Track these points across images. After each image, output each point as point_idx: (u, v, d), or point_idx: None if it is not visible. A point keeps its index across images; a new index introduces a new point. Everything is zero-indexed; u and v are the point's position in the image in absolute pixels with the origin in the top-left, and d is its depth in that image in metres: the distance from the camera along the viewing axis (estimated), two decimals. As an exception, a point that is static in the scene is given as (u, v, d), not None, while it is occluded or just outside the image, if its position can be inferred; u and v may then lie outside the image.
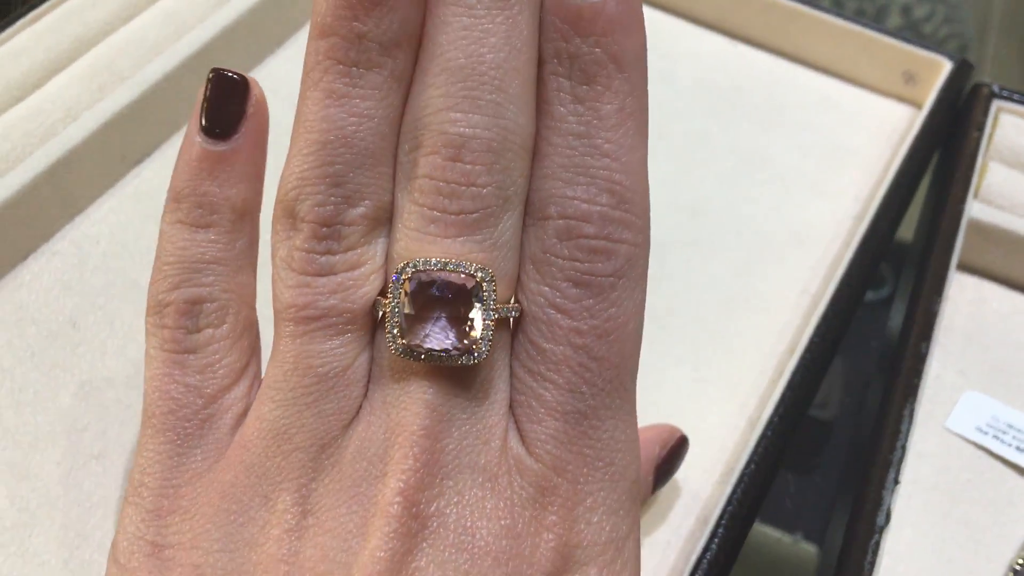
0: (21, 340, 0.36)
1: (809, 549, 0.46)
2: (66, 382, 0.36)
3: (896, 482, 0.35)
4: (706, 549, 0.33)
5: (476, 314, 0.23)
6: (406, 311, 0.23)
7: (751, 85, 0.50)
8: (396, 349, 0.23)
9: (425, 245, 0.23)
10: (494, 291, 0.23)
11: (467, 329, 0.23)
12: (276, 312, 0.24)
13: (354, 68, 0.23)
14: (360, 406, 0.24)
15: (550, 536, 0.23)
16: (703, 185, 0.45)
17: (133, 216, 0.41)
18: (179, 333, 0.26)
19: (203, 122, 0.26)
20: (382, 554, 0.22)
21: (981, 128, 0.46)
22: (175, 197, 0.26)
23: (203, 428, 0.25)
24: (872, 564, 0.33)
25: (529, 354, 0.24)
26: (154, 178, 0.42)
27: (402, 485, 0.22)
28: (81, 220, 0.40)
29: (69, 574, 0.31)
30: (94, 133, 0.40)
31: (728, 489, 0.34)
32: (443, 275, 0.23)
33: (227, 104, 0.26)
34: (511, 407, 0.24)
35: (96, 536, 0.32)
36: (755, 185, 0.46)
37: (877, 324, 0.51)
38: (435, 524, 0.22)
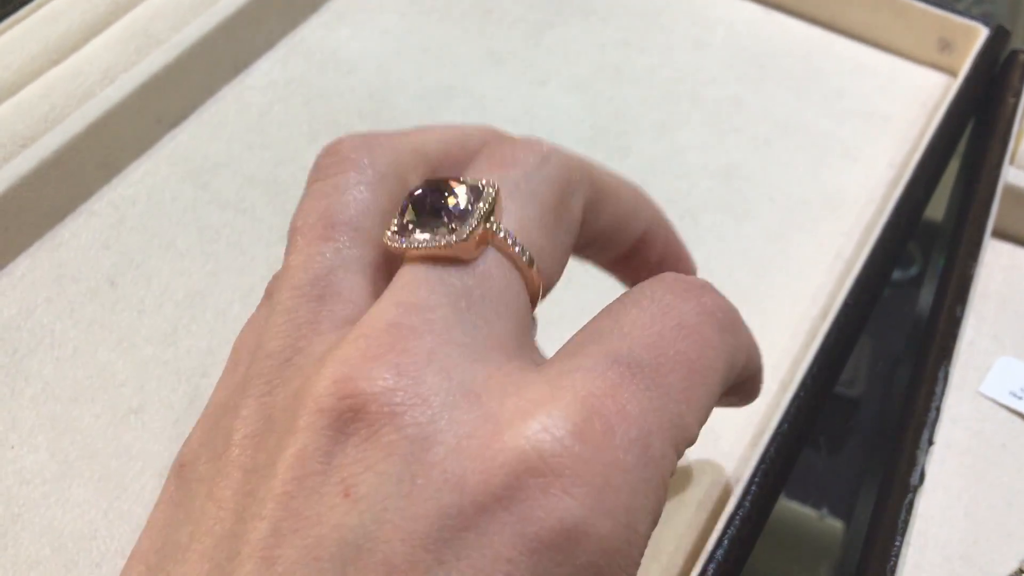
0: (61, 297, 0.37)
1: (835, 524, 0.46)
2: (104, 338, 0.36)
3: (930, 443, 0.35)
4: (738, 507, 0.33)
5: (462, 208, 0.22)
6: (406, 215, 0.22)
7: (785, 52, 0.50)
8: (388, 238, 0.22)
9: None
10: (493, 197, 0.22)
11: (459, 219, 0.22)
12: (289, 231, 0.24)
13: None
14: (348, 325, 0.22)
15: (536, 463, 0.19)
16: (736, 151, 0.45)
17: (169, 178, 0.41)
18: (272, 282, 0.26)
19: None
20: (308, 453, 0.19)
21: (1018, 95, 0.46)
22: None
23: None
24: (906, 523, 0.33)
25: (622, 300, 0.23)
26: (189, 141, 0.42)
27: (340, 373, 0.19)
28: (118, 181, 0.41)
29: (108, 524, 0.32)
30: (130, 95, 0.41)
31: (760, 450, 0.34)
32: (449, 178, 0.23)
33: None
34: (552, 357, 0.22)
35: (134, 487, 0.33)
36: (788, 151, 0.46)
37: (905, 303, 0.51)
38: (382, 424, 0.19)
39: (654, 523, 0.20)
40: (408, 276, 0.21)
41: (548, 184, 0.24)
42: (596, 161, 0.26)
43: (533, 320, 0.25)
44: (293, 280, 0.22)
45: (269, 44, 0.46)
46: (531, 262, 0.22)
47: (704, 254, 0.41)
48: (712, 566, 0.32)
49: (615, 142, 0.45)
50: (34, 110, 0.40)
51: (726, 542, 0.32)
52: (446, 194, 0.22)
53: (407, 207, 0.23)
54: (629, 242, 0.28)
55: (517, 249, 0.22)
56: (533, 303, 0.23)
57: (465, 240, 0.21)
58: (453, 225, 0.22)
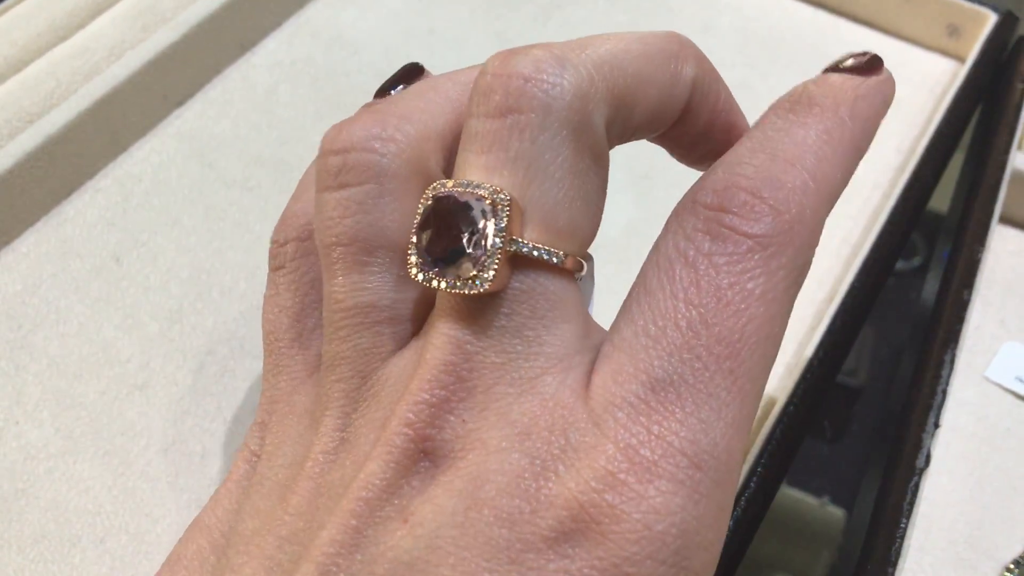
0: (66, 274, 0.37)
1: (836, 512, 0.46)
2: (110, 315, 0.36)
3: (936, 425, 0.35)
4: (743, 489, 0.33)
5: (477, 234, 0.21)
6: (424, 236, 0.22)
7: (793, 36, 0.50)
8: (411, 270, 0.22)
9: (467, 165, 0.22)
10: (507, 215, 0.21)
11: (473, 252, 0.21)
12: (320, 245, 0.24)
13: None
14: (408, 341, 0.23)
15: (569, 502, 0.20)
16: (743, 134, 0.45)
17: (175, 156, 0.41)
18: (274, 248, 0.27)
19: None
20: (376, 480, 0.21)
21: (1026, 81, 0.46)
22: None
23: (292, 348, 0.25)
24: (911, 506, 0.33)
25: (639, 302, 0.21)
26: (196, 119, 0.42)
27: (411, 416, 0.21)
28: (124, 159, 0.41)
29: (112, 500, 0.32)
30: (137, 73, 0.40)
31: (765, 433, 0.34)
32: (458, 193, 0.21)
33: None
34: (599, 360, 0.21)
35: (139, 464, 0.33)
36: (796, 135, 0.46)
37: (908, 293, 0.51)
38: (445, 465, 0.21)
39: (718, 547, 0.21)
40: (451, 311, 0.22)
41: (561, 140, 0.21)
42: (605, 47, 0.22)
43: (588, 279, 0.24)
44: (345, 306, 0.23)
45: (276, 24, 0.46)
46: (565, 256, 0.21)
47: (710, 237, 0.41)
48: (717, 546, 0.32)
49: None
50: (40, 87, 0.40)
51: (732, 525, 0.32)
52: (459, 220, 0.21)
53: (421, 238, 0.22)
54: (669, 123, 0.24)
55: (546, 256, 0.21)
56: (579, 271, 0.22)
57: (492, 281, 0.21)
58: (476, 257, 0.21)
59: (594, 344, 0.22)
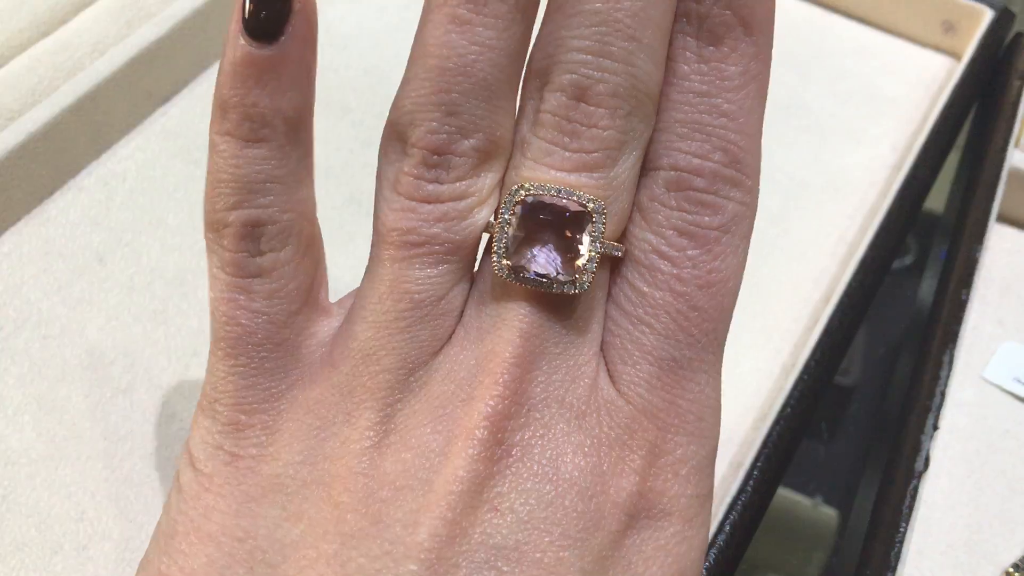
0: (48, 275, 0.36)
1: (829, 513, 0.45)
2: (93, 316, 0.35)
3: (935, 428, 0.34)
4: (740, 491, 0.32)
5: (584, 243, 0.23)
6: (515, 232, 0.23)
7: (787, 33, 0.49)
8: (500, 270, 0.23)
9: (540, 173, 0.23)
10: (603, 224, 0.23)
11: (572, 257, 0.23)
12: (376, 232, 0.24)
13: None
14: (451, 335, 0.24)
15: (634, 479, 0.23)
16: (738, 131, 0.45)
17: (160, 153, 0.40)
18: (241, 256, 0.24)
19: (246, 21, 0.23)
20: (463, 473, 0.22)
21: (1023, 77, 0.45)
22: (221, 106, 0.24)
23: (277, 352, 0.24)
24: (910, 510, 0.32)
25: (628, 297, 0.24)
26: (181, 116, 0.42)
27: (489, 410, 0.22)
28: (108, 157, 0.40)
29: (96, 506, 0.31)
30: (121, 69, 0.40)
31: (763, 434, 0.34)
32: (557, 200, 0.23)
33: (270, 1, 0.23)
34: (603, 349, 0.24)
35: (123, 468, 0.32)
36: (791, 132, 0.45)
37: (900, 292, 0.50)
38: (519, 453, 0.23)
39: (712, 476, 0.25)
40: (522, 304, 0.23)
41: (636, 156, 0.24)
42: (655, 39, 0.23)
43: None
44: (414, 299, 0.24)
45: None
46: (623, 250, 0.24)
47: (705, 236, 0.41)
48: (713, 551, 0.31)
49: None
50: (21, 83, 0.39)
51: (728, 527, 0.31)
52: (558, 224, 0.23)
53: (514, 230, 0.23)
54: None
55: (616, 253, 0.24)
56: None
57: (587, 289, 0.23)
58: (572, 268, 0.23)
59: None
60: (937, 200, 0.47)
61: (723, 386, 0.36)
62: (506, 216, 0.23)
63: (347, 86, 0.44)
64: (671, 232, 0.23)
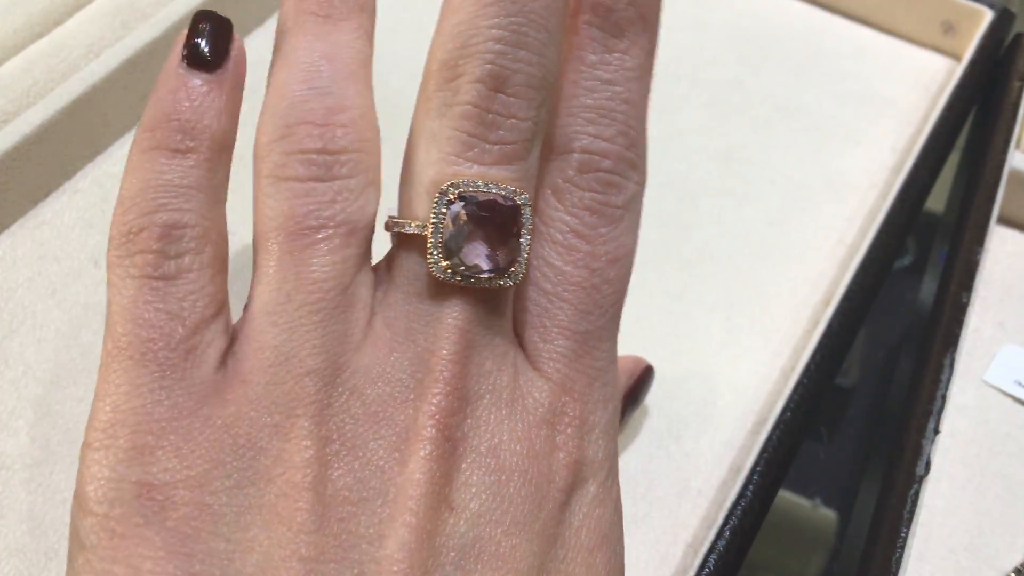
0: (42, 278, 0.36)
1: (828, 514, 0.45)
2: (88, 320, 0.35)
3: (936, 431, 0.34)
4: (740, 497, 0.32)
5: (519, 236, 0.23)
6: (448, 230, 0.23)
7: (785, 33, 0.49)
8: (438, 270, 0.23)
9: (462, 169, 0.23)
10: (530, 215, 0.24)
11: (507, 251, 0.23)
12: (264, 230, 0.23)
13: None
14: (367, 332, 0.23)
15: (563, 455, 0.24)
16: (737, 133, 0.44)
17: (156, 156, 0.40)
18: (156, 258, 0.23)
19: (186, 54, 0.25)
20: (420, 476, 0.22)
21: (1023, 79, 0.45)
22: (149, 126, 0.24)
23: (187, 360, 0.22)
24: (911, 514, 0.32)
25: (546, 276, 0.24)
26: (177, 118, 0.41)
27: (434, 409, 0.23)
28: (103, 159, 0.40)
29: (91, 511, 0.31)
30: (116, 71, 0.39)
31: (762, 438, 0.34)
32: (487, 195, 0.23)
33: (214, 39, 0.25)
34: (517, 329, 0.25)
35: (118, 474, 0.32)
36: (789, 133, 0.45)
37: (898, 292, 0.50)
38: (464, 448, 0.23)
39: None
40: (458, 301, 0.23)
41: (537, 148, 0.25)
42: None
43: None
44: (322, 289, 0.23)
45: (259, 20, 0.45)
46: None
47: (704, 238, 0.40)
48: (713, 557, 0.31)
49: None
50: (16, 85, 0.39)
51: (728, 532, 0.31)
52: (500, 220, 0.23)
53: (447, 234, 0.23)
54: None
55: (546, 245, 0.25)
56: None
57: (522, 275, 0.24)
58: (510, 254, 0.23)
59: None
60: (936, 200, 0.47)
61: (722, 389, 0.36)
62: (439, 214, 0.23)
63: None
64: (584, 212, 0.24)
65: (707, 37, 0.48)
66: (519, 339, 0.25)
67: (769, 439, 0.33)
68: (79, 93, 0.38)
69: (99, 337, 0.34)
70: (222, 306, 0.24)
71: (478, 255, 0.23)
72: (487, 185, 0.23)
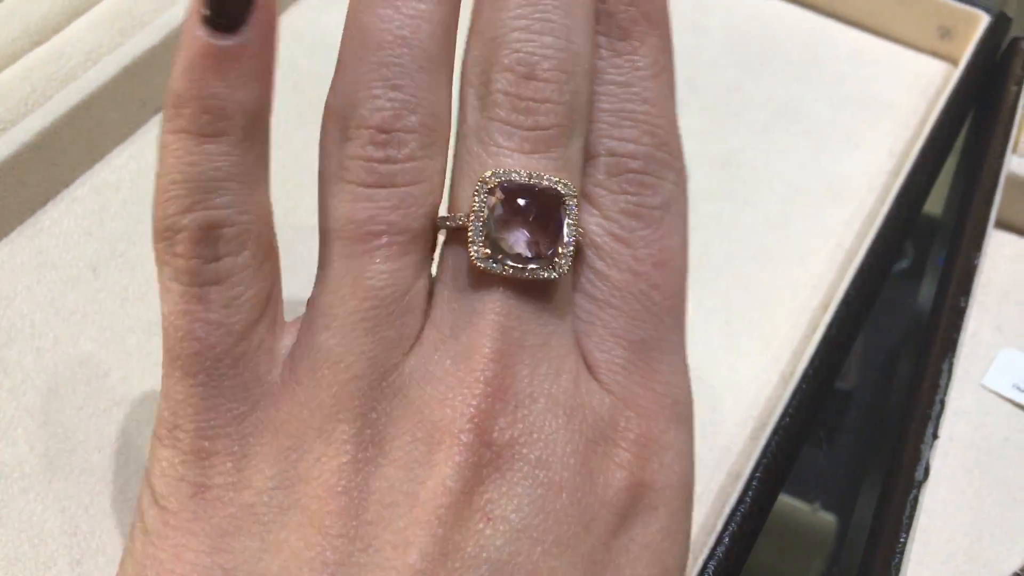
0: (41, 286, 0.36)
1: (828, 518, 0.45)
2: (87, 328, 0.35)
3: (935, 436, 0.34)
4: (739, 502, 0.32)
5: (564, 225, 0.23)
6: (490, 218, 0.22)
7: (783, 38, 0.49)
8: (479, 258, 0.22)
9: (502, 159, 0.23)
10: (575, 206, 0.23)
11: (550, 241, 0.23)
12: (326, 230, 0.23)
13: None
14: (420, 335, 0.23)
15: (623, 475, 0.23)
16: (735, 137, 0.44)
17: (153, 163, 0.39)
18: (196, 263, 0.23)
19: (206, 12, 0.22)
20: (452, 484, 0.21)
21: (1020, 83, 0.45)
22: (176, 102, 0.22)
23: (237, 367, 0.23)
24: (910, 520, 0.32)
25: (592, 282, 0.24)
26: (175, 125, 0.41)
27: (472, 411, 0.21)
28: (101, 167, 0.40)
29: (90, 519, 0.31)
30: (114, 78, 0.39)
31: (762, 443, 0.34)
32: (528, 183, 0.23)
33: None
34: (577, 339, 0.24)
35: (118, 483, 0.32)
36: (788, 137, 0.45)
37: (897, 295, 0.50)
38: (509, 455, 0.21)
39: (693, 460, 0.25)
40: (497, 296, 0.22)
41: (580, 142, 0.24)
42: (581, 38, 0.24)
43: None
44: (378, 296, 0.22)
45: None
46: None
47: (702, 242, 0.40)
48: (712, 564, 0.31)
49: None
50: (14, 93, 0.39)
51: (727, 539, 0.31)
52: (541, 210, 0.23)
53: (489, 223, 0.23)
54: None
55: (583, 243, 0.24)
56: None
57: (565, 273, 0.23)
58: (551, 246, 0.23)
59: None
60: (934, 203, 0.47)
61: (720, 395, 0.36)
62: (480, 202, 0.22)
63: (342, 94, 0.43)
64: (620, 215, 0.24)
65: (705, 41, 0.48)
66: (581, 348, 0.24)
67: (768, 445, 0.33)
68: (77, 101, 0.38)
69: (98, 345, 0.34)
70: (268, 301, 0.24)
71: (519, 243, 0.22)
72: (528, 173, 0.23)
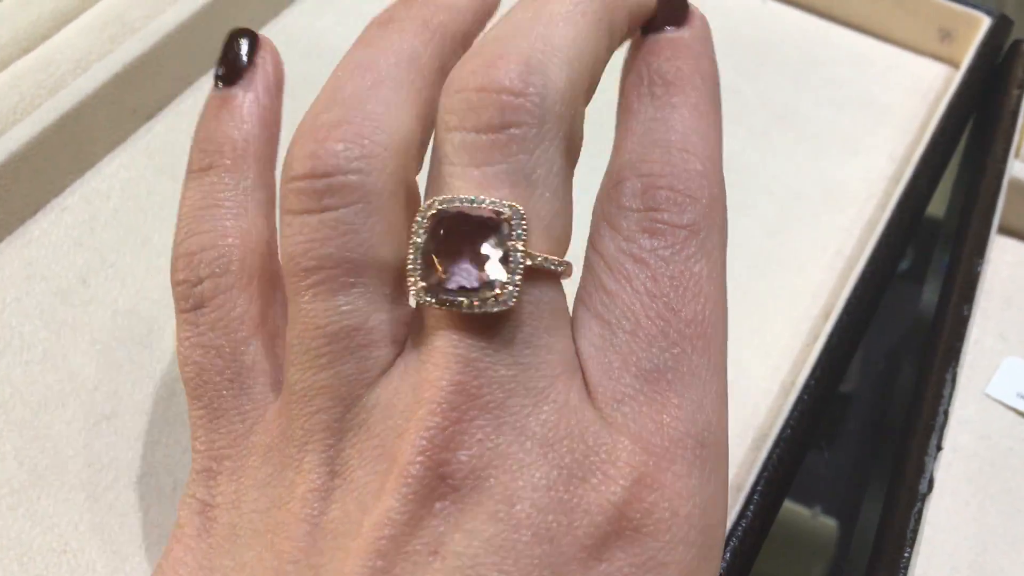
0: (30, 297, 0.35)
1: (828, 523, 0.45)
2: (76, 341, 0.34)
3: (939, 448, 0.33)
4: (741, 516, 0.32)
5: (496, 252, 0.21)
6: (427, 248, 0.21)
7: (781, 42, 0.49)
8: (416, 293, 0.21)
9: (453, 180, 0.21)
10: (524, 230, 0.21)
11: (498, 269, 0.21)
12: (282, 268, 0.23)
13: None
14: (391, 365, 0.22)
15: (611, 514, 0.20)
16: (734, 142, 0.44)
17: (145, 171, 0.39)
18: (183, 288, 0.24)
19: (216, 74, 0.26)
20: (396, 515, 0.20)
21: (1022, 87, 0.45)
22: (191, 152, 0.26)
23: (232, 387, 0.23)
24: (915, 533, 0.31)
25: (604, 304, 0.22)
26: (166, 132, 0.41)
27: (424, 443, 0.20)
28: (92, 175, 0.39)
29: (79, 537, 0.30)
30: (104, 85, 0.39)
31: (763, 455, 0.33)
32: (470, 209, 0.21)
33: (237, 53, 0.26)
34: (584, 366, 0.22)
35: (107, 498, 0.31)
36: (787, 143, 0.44)
37: (896, 298, 0.50)
38: (468, 488, 0.20)
39: (726, 519, 0.23)
40: (453, 328, 0.21)
41: (555, 149, 0.22)
42: (565, 37, 0.23)
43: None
44: (327, 332, 0.22)
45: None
46: (566, 265, 0.22)
47: (701, 251, 0.40)
48: (714, 579, 0.30)
49: (608, 135, 0.43)
50: (3, 101, 0.38)
51: (728, 555, 0.31)
52: (474, 238, 0.21)
53: (427, 253, 0.21)
54: None
55: (553, 267, 0.22)
56: (568, 277, 0.23)
57: (516, 297, 0.21)
58: (496, 275, 0.21)
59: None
60: (936, 206, 0.47)
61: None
62: (418, 232, 0.21)
63: (336, 100, 0.43)
64: (640, 234, 0.22)
65: (703, 46, 0.48)
66: (586, 376, 0.22)
67: (769, 457, 0.33)
68: (67, 108, 0.38)
69: (87, 359, 0.34)
70: (261, 319, 0.24)
71: (460, 275, 0.21)
72: (473, 199, 0.21)
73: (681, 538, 0.20)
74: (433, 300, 0.21)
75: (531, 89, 0.21)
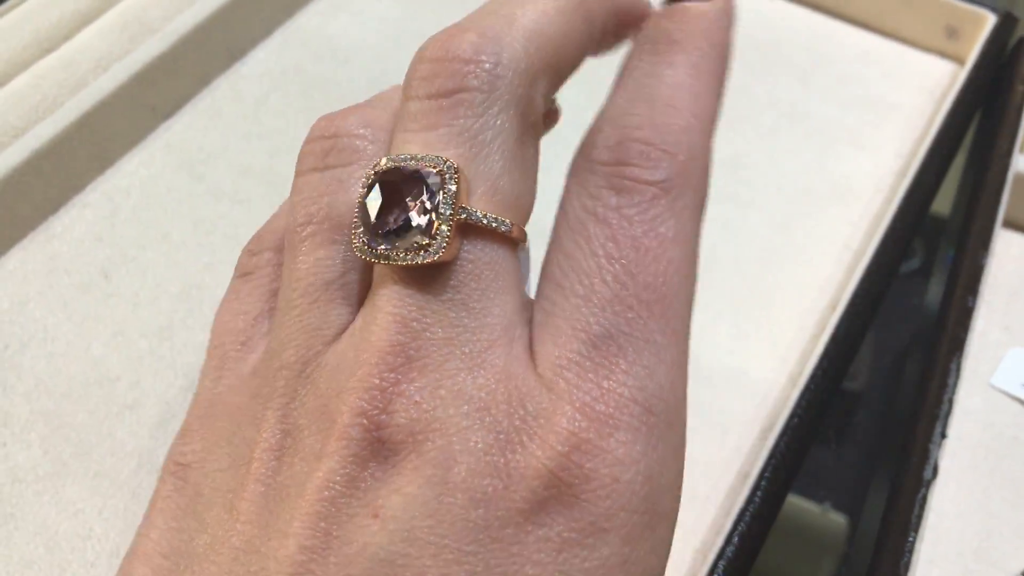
0: (53, 291, 0.36)
1: (838, 519, 0.45)
2: (98, 333, 0.35)
3: (943, 436, 0.34)
4: (748, 503, 0.32)
5: (428, 204, 0.20)
6: (370, 204, 0.21)
7: (789, 39, 0.49)
8: (357, 248, 0.21)
9: (406, 143, 0.22)
10: (455, 183, 0.20)
11: (411, 216, 0.21)
12: (291, 225, 0.24)
13: None
14: (350, 324, 0.22)
15: (547, 479, 0.20)
16: (742, 139, 0.45)
17: (164, 168, 0.40)
18: (243, 258, 0.26)
19: None
20: (337, 477, 0.20)
21: (1026, 82, 0.45)
22: None
23: (240, 350, 0.24)
24: (919, 519, 0.32)
25: (560, 266, 0.21)
26: (185, 131, 0.42)
27: (364, 405, 0.20)
28: (112, 172, 0.40)
29: (104, 523, 0.31)
30: (124, 84, 0.40)
31: (770, 444, 0.34)
32: (407, 165, 0.21)
33: None
34: (534, 331, 0.21)
35: (130, 485, 0.32)
36: (795, 139, 0.45)
37: (907, 295, 0.50)
38: (405, 451, 0.20)
39: (679, 488, 0.21)
40: (394, 287, 0.21)
41: (504, 116, 0.21)
42: (530, 16, 0.23)
43: (526, 255, 0.24)
44: (303, 284, 0.22)
45: (265, 32, 0.46)
46: (512, 225, 0.21)
47: (709, 245, 0.41)
48: (722, 563, 0.31)
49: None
50: (26, 100, 0.39)
51: (736, 539, 0.31)
52: (405, 189, 0.21)
53: (365, 207, 0.21)
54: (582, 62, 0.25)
55: (495, 225, 0.21)
56: (523, 241, 0.22)
57: (445, 249, 0.20)
58: (424, 231, 0.20)
59: (529, 317, 0.22)
60: (943, 202, 0.47)
61: (729, 396, 0.36)
62: (363, 190, 0.21)
63: (349, 99, 0.43)
64: (607, 192, 0.21)
65: (711, 44, 0.48)
66: (534, 341, 0.21)
67: (777, 445, 0.33)
68: (88, 107, 0.39)
69: (109, 350, 0.35)
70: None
71: (392, 227, 0.21)
72: (416, 156, 0.21)
73: (622, 505, 0.20)
74: (368, 250, 0.21)
75: (482, 57, 0.21)
